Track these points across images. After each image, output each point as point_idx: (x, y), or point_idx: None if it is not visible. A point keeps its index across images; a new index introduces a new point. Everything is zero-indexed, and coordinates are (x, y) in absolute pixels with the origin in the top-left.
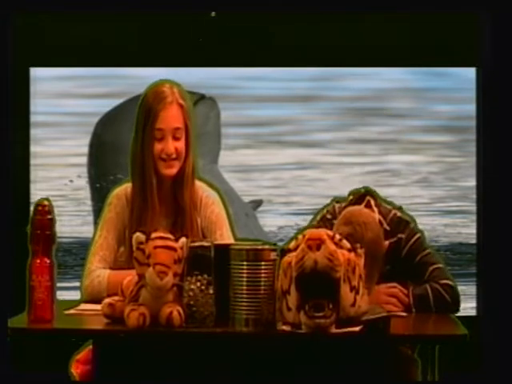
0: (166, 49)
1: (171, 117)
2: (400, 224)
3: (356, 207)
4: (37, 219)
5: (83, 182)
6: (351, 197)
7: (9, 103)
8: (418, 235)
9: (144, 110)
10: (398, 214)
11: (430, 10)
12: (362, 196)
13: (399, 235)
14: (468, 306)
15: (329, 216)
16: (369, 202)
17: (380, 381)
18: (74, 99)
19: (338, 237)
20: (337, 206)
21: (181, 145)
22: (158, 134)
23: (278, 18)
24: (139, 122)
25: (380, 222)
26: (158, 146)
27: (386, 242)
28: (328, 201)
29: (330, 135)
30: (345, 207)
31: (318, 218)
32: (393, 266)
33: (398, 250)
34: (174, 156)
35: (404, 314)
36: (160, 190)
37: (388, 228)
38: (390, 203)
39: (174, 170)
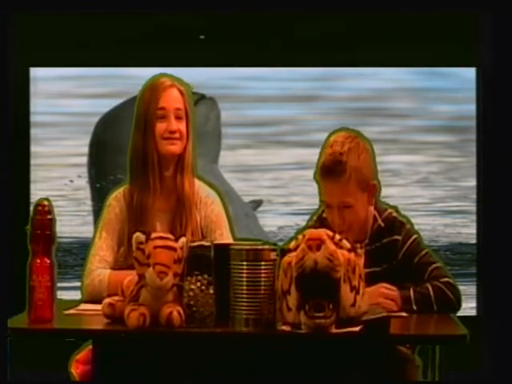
0: (166, 49)
1: (172, 98)
2: (395, 224)
3: None
4: (37, 219)
5: (83, 182)
6: None
7: (9, 103)
8: (414, 237)
9: (144, 98)
10: (394, 214)
11: (430, 10)
12: None
13: (395, 236)
14: (468, 306)
15: (324, 215)
16: None
17: (380, 381)
18: (74, 99)
19: (337, 237)
20: None
21: (183, 126)
22: (161, 113)
23: (278, 18)
24: (140, 111)
25: (375, 217)
26: (160, 126)
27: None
28: None
29: None
30: None
31: (315, 217)
32: (390, 267)
33: (394, 252)
34: (177, 135)
35: (404, 314)
36: (161, 180)
37: (383, 225)
38: (385, 204)
39: (177, 148)
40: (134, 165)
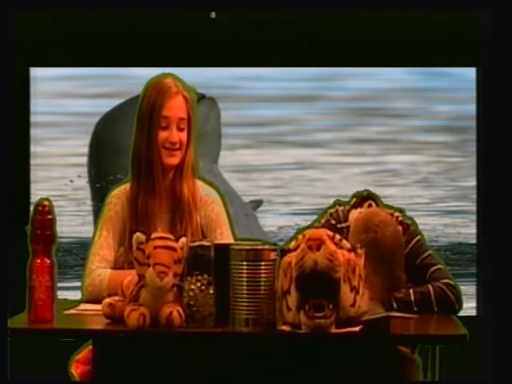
0: (165, 49)
1: (177, 107)
2: (401, 227)
3: (362, 210)
4: (37, 219)
5: (83, 182)
6: (354, 199)
7: (9, 103)
8: (417, 238)
9: (148, 100)
10: (400, 217)
11: (430, 10)
12: (363, 199)
13: None
14: (468, 306)
15: (333, 221)
16: (370, 205)
17: (380, 381)
18: (74, 99)
19: (338, 237)
20: (340, 209)
21: (184, 136)
22: (164, 122)
23: (278, 18)
24: (143, 113)
25: None
26: (162, 135)
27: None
28: (328, 201)
29: (329, 135)
30: (348, 210)
31: (323, 221)
32: None
33: None
34: (177, 146)
35: (409, 315)
36: (162, 181)
37: None
38: (390, 207)
39: (176, 160)
40: (137, 167)
